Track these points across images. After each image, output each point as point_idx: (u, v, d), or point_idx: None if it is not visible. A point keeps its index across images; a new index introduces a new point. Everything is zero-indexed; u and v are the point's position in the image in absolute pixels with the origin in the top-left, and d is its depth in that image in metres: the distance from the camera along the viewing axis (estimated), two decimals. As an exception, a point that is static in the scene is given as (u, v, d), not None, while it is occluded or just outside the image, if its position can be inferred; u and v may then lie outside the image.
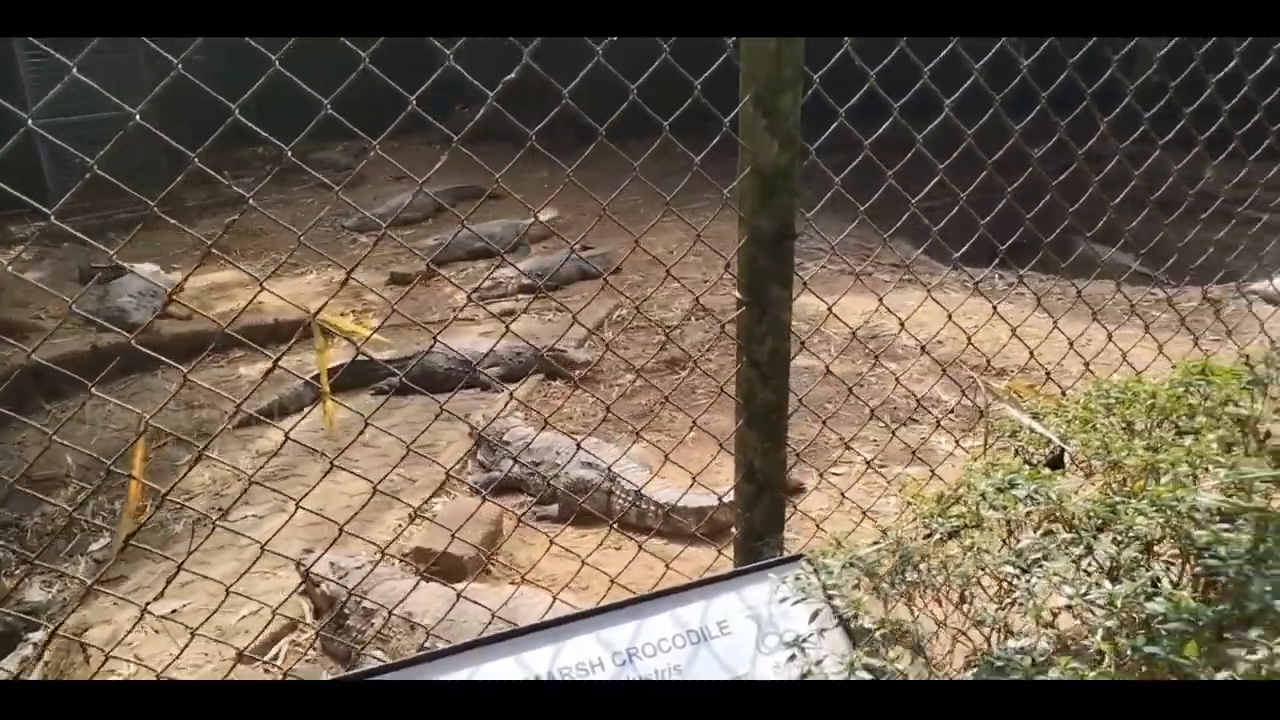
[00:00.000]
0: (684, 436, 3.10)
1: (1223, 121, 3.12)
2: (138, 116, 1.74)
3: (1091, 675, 1.50)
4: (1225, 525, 1.68)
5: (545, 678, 1.79)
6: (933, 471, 2.68)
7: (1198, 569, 1.71)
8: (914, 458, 3.00)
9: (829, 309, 2.68)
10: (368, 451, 4.94)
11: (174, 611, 3.78)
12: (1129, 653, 1.49)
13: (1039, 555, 1.73)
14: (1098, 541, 1.73)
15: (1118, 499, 1.82)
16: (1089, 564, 1.74)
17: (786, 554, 2.30)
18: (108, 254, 1.98)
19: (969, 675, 1.77)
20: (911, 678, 1.70)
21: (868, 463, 3.16)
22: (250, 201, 1.93)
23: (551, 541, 2.60)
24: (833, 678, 1.67)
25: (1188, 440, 2.09)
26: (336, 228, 10.21)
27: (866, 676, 1.64)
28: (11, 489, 2.87)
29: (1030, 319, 3.20)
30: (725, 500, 2.83)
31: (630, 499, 4.23)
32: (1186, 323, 3.33)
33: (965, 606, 1.86)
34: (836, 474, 4.29)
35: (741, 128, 2.21)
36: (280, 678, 3.23)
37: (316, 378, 5.34)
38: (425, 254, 8.41)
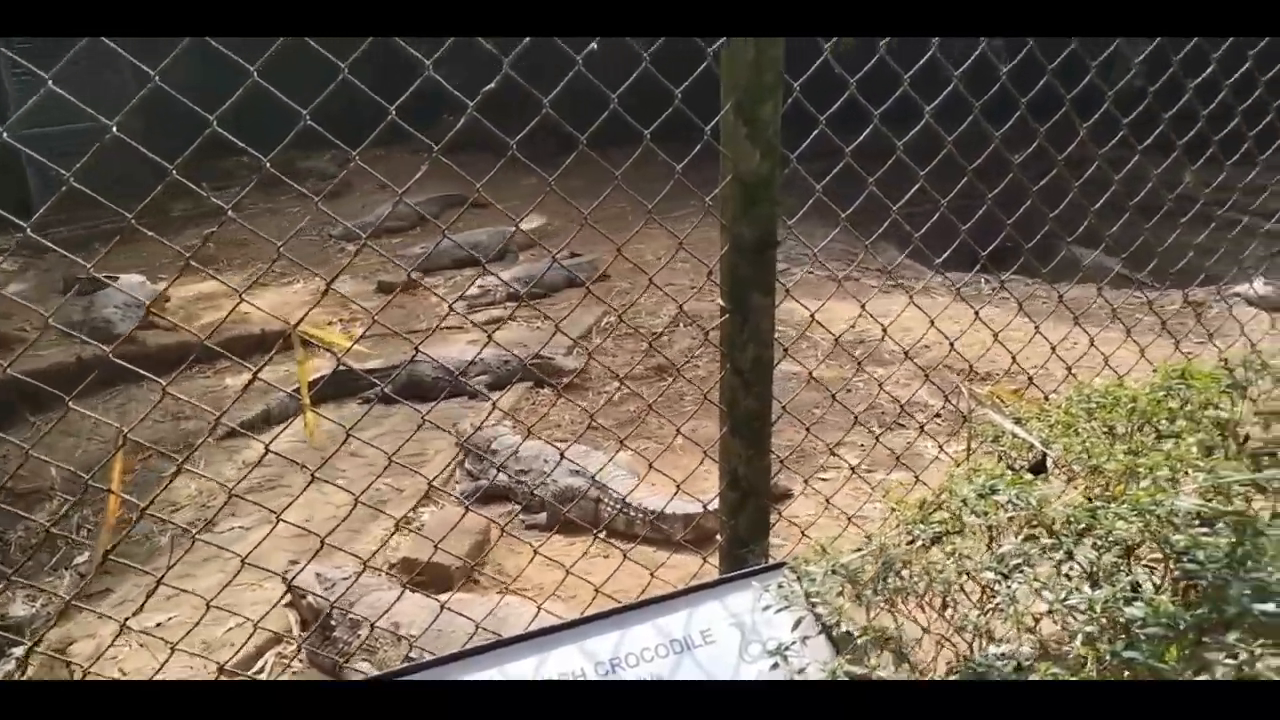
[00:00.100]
0: (669, 444, 3.10)
1: (1201, 126, 3.14)
2: (114, 128, 1.74)
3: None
4: (1204, 529, 1.68)
5: (528, 689, 1.78)
6: (917, 477, 2.69)
7: (1177, 573, 1.72)
8: (898, 463, 3.00)
9: (812, 315, 2.68)
10: (355, 461, 4.92)
11: (159, 625, 3.75)
12: (1109, 658, 1.50)
13: (1020, 561, 1.73)
14: (1078, 547, 1.74)
15: (1098, 504, 1.83)
16: (1070, 569, 1.75)
17: (772, 560, 2.30)
18: (85, 266, 1.97)
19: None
20: (894, 685, 1.70)
21: (852, 469, 3.17)
22: (229, 213, 1.93)
23: (536, 551, 2.59)
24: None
25: (1168, 444, 2.11)
26: (324, 237, 10.18)
27: (849, 684, 1.63)
28: (-7, 503, 2.84)
29: (1014, 323, 3.22)
30: (710, 508, 2.83)
31: (618, 506, 4.23)
32: (1168, 326, 3.35)
33: (948, 612, 1.87)
34: (824, 479, 4.30)
35: (723, 136, 2.22)
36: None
37: (298, 390, 5.32)
38: (412, 262, 8.40)
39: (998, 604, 1.74)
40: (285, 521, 2.23)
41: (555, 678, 1.80)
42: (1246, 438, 2.14)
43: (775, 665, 1.73)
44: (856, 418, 3.01)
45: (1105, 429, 2.31)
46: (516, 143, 2.15)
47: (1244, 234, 4.16)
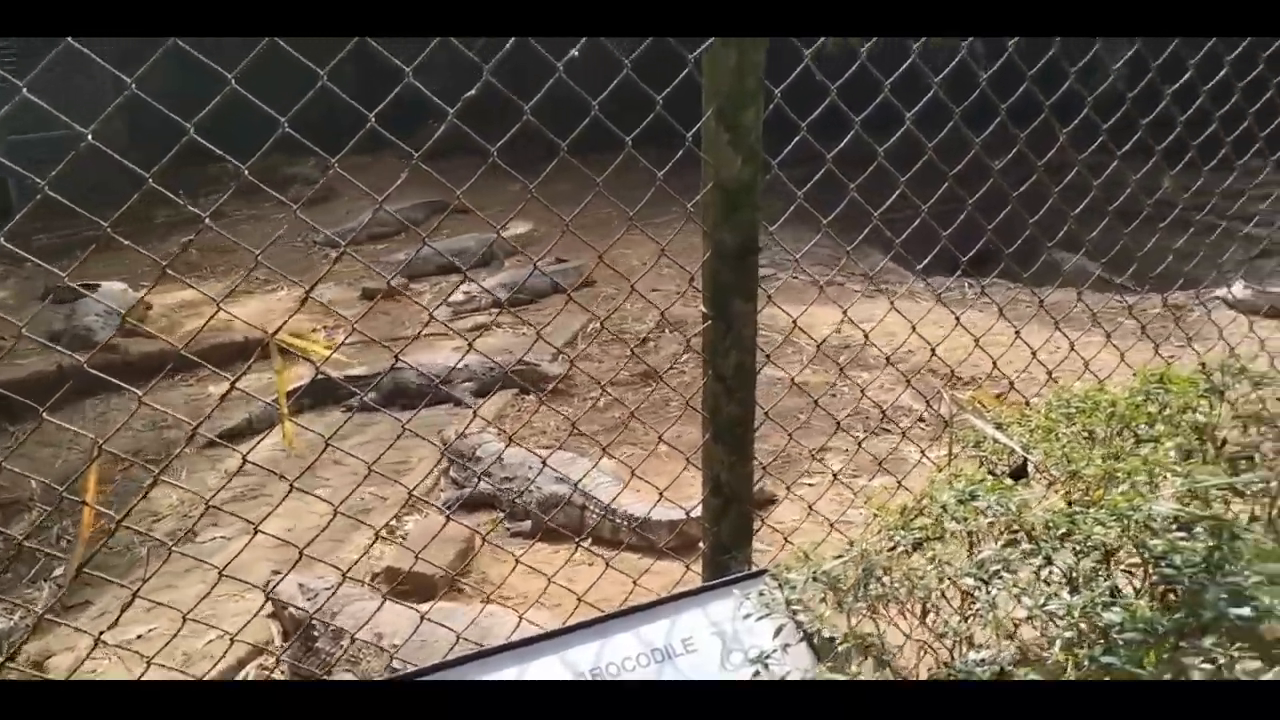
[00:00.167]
0: (652, 450, 3.09)
1: (1179, 131, 3.17)
2: (90, 136, 1.72)
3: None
4: (1182, 534, 1.69)
5: (509, 699, 1.77)
6: (899, 482, 2.69)
7: (1155, 577, 1.73)
8: (881, 468, 3.01)
9: (794, 321, 2.68)
10: (340, 470, 4.89)
11: (139, 637, 3.70)
12: (1088, 663, 1.50)
13: (1000, 566, 1.73)
14: (1058, 552, 1.74)
15: (1077, 509, 1.83)
16: (1050, 574, 1.75)
17: (755, 567, 2.30)
18: (60, 275, 1.95)
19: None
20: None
21: (835, 474, 3.17)
22: (206, 220, 1.91)
23: (517, 560, 2.57)
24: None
25: (1146, 449, 2.12)
26: (308, 243, 10.12)
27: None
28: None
29: (996, 327, 3.23)
30: (694, 514, 2.83)
31: (603, 513, 4.21)
32: (1148, 330, 3.37)
33: (929, 619, 1.87)
34: (808, 484, 4.30)
35: (704, 142, 2.22)
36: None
37: (277, 399, 5.29)
38: (395, 268, 8.37)
39: (978, 610, 1.74)
40: (264, 533, 2.21)
41: (536, 688, 1.79)
42: (1224, 442, 2.15)
43: (757, 673, 1.72)
44: (839, 423, 3.02)
45: (1085, 434, 2.32)
46: (498, 149, 2.14)
47: (1223, 238, 4.20)
